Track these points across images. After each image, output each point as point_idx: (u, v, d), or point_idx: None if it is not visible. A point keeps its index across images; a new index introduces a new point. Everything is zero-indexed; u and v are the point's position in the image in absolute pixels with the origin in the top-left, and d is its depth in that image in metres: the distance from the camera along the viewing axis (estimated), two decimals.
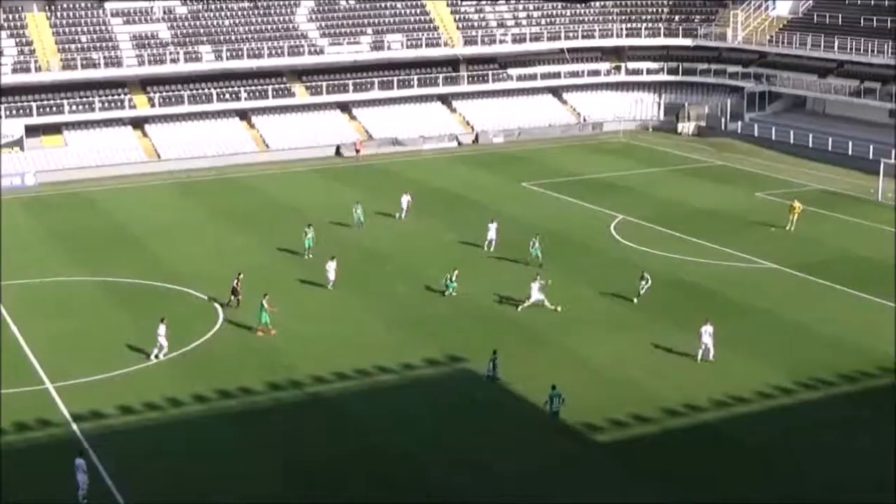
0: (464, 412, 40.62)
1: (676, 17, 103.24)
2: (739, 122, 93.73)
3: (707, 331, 44.61)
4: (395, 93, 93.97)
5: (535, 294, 50.23)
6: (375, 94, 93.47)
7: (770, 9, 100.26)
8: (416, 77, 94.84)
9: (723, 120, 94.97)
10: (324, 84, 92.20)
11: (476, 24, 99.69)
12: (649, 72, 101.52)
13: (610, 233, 64.02)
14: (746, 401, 40.93)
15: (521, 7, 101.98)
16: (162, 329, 44.90)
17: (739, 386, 42.06)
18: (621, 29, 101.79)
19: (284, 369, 43.92)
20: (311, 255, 58.40)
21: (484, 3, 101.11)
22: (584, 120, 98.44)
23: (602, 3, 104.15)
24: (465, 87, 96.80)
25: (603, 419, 39.31)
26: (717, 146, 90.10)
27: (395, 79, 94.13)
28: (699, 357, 44.62)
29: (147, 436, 38.72)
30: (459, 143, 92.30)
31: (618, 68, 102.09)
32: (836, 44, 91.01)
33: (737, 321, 48.97)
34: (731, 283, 54.69)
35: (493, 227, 60.32)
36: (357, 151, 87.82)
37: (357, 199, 67.53)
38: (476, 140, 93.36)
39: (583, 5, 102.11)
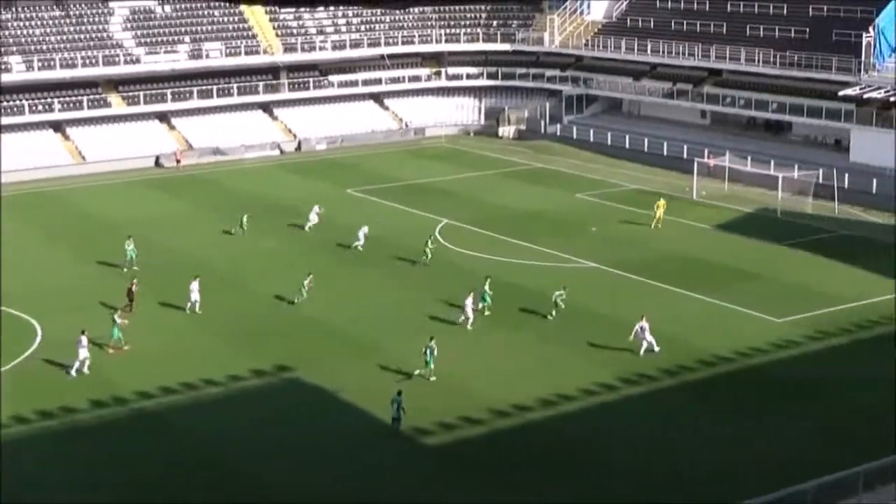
0: (290, 422, 40.37)
1: (495, 23, 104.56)
2: (558, 125, 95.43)
3: (643, 326, 45.59)
4: (215, 101, 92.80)
5: (469, 309, 49.34)
6: (195, 103, 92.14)
7: (585, 13, 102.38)
8: (235, 85, 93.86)
9: (542, 123, 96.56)
10: (141, 94, 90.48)
11: (295, 31, 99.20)
12: (469, 77, 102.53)
13: (436, 237, 64.41)
14: (572, 398, 41.71)
15: (340, 13, 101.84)
16: None
17: (565, 384, 42.83)
18: (441, 34, 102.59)
19: (107, 385, 42.91)
20: (134, 268, 57.24)
21: (303, 10, 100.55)
22: (407, 125, 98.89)
23: (421, 8, 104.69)
24: (286, 95, 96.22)
25: (432, 423, 39.55)
26: (537, 149, 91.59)
27: (215, 87, 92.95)
28: (641, 352, 45.40)
29: None
30: (282, 152, 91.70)
31: (438, 73, 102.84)
32: (649, 47, 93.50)
33: (561, 321, 49.82)
34: (555, 283, 55.54)
35: (362, 232, 61.51)
36: (177, 162, 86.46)
37: (183, 210, 66.43)
38: (299, 148, 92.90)
39: (402, 11, 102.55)
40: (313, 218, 66.35)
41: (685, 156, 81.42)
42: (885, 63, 78.33)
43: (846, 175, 72.94)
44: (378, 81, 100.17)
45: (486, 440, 38.79)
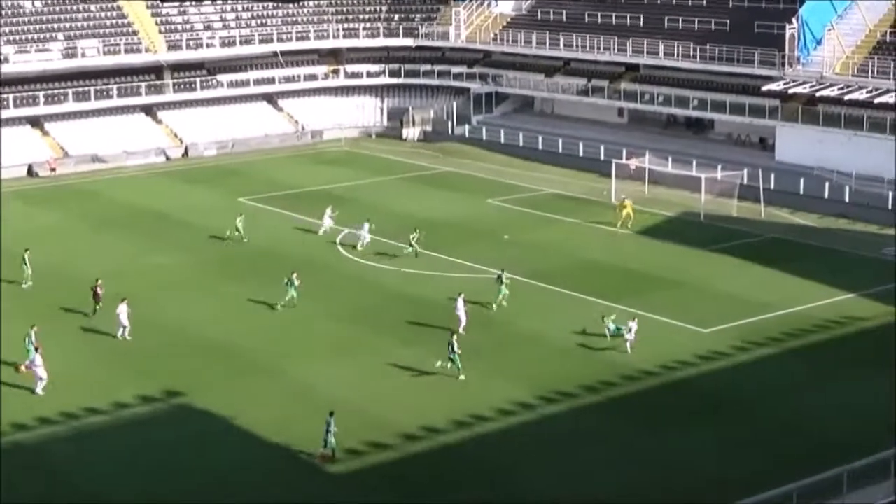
0: (179, 452, 39.79)
1: (396, 17, 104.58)
2: (467, 126, 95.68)
3: (631, 327, 47.50)
4: (93, 104, 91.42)
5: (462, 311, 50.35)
6: (70, 106, 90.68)
7: (493, 6, 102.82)
8: (115, 86, 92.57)
9: (449, 123, 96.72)
10: (10, 97, 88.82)
11: (180, 27, 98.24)
12: (370, 75, 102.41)
13: (336, 247, 64.13)
14: (487, 419, 41.65)
15: (228, 8, 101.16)
16: None
17: (480, 404, 42.76)
18: (338, 30, 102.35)
19: None
20: (29, 283, 56.72)
21: (188, 4, 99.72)
22: (303, 128, 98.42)
23: (316, 2, 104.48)
24: (170, 96, 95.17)
25: (337, 449, 39.22)
26: (444, 151, 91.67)
27: (92, 89, 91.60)
28: (629, 350, 47.35)
29: None
30: (168, 158, 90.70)
31: (336, 72, 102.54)
32: (562, 41, 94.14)
33: (472, 335, 49.80)
34: (465, 295, 55.58)
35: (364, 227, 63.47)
36: (52, 170, 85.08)
37: (59, 223, 65.32)
38: (186, 153, 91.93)
39: (295, 5, 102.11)
40: (327, 222, 66.49)
41: (602, 157, 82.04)
42: (809, 56, 79.72)
43: (772, 175, 74.05)
44: (271, 81, 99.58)
45: (394, 466, 38.56)
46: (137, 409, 43.08)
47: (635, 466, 38.41)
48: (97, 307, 52.51)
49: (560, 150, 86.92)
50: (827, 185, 72.61)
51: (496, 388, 44.40)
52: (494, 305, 53.37)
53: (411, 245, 61.73)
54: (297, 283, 53.60)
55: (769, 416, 41.98)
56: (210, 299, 55.50)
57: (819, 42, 79.91)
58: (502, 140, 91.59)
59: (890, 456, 33.55)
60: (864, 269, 59.58)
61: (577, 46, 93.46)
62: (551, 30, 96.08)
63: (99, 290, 52.61)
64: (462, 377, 45.03)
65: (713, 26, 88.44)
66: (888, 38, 78.38)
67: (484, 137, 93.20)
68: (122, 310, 49.96)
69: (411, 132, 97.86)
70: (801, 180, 73.66)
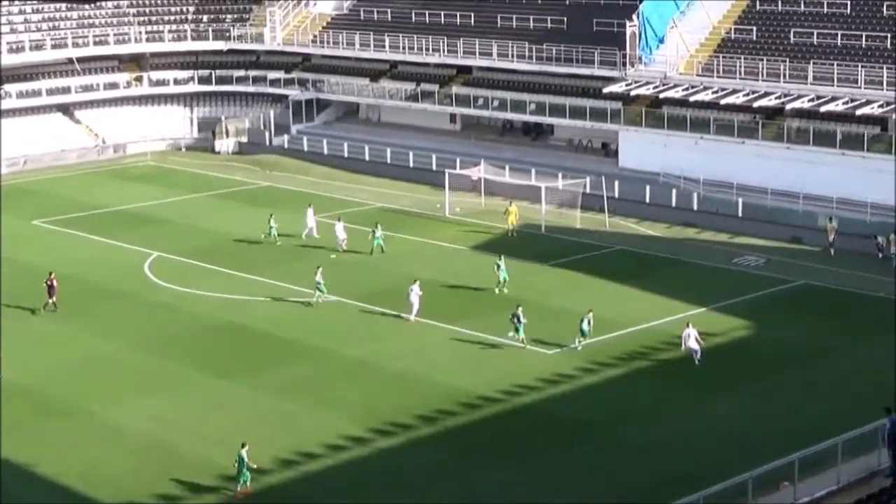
0: None
1: (205, 18, 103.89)
2: (286, 136, 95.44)
3: (691, 333, 49.16)
4: None
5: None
6: None
7: (311, 5, 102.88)
8: None
9: (267, 134, 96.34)
10: None
11: None
12: (177, 82, 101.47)
13: (144, 274, 63.38)
14: (317, 456, 41.57)
15: (16, 10, 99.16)
16: None
17: (307, 440, 42.67)
18: (140, 33, 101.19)
19: None
20: None
21: None
22: (104, 142, 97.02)
23: (115, 3, 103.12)
24: None
25: (149, 495, 38.75)
26: (262, 164, 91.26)
27: None
28: (697, 360, 49.13)
29: None
30: None
31: (139, 79, 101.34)
32: (387, 42, 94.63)
33: (298, 365, 49.75)
34: (288, 321, 55.53)
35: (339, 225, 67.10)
36: None
37: None
38: None
39: (92, 6, 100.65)
40: (311, 222, 68.96)
41: (434, 167, 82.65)
42: (652, 56, 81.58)
43: (616, 183, 75.56)
44: (66, 90, 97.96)
45: None
46: None
47: (475, 501, 38.70)
48: (49, 303, 55.82)
49: (388, 161, 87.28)
50: (674, 192, 74.36)
51: (325, 422, 44.34)
52: (497, 290, 58.18)
53: (374, 244, 65.41)
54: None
55: (618, 442, 42.69)
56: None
57: (661, 40, 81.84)
58: (325, 151, 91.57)
59: (746, 480, 34.44)
60: (715, 281, 61.14)
61: (403, 48, 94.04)
62: (375, 30, 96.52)
63: (53, 284, 56.07)
64: (527, 347, 50.77)
65: (550, 24, 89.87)
66: (733, 35, 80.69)
67: (305, 148, 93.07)
68: None
69: (225, 144, 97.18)
70: (647, 188, 75.24)
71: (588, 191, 73.89)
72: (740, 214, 71.22)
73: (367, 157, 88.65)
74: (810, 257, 65.24)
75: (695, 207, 73.18)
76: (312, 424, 44.25)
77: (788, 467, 35.64)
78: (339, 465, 41.30)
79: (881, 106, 70.75)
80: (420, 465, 41.31)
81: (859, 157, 70.43)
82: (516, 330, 51.17)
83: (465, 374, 48.93)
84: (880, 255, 64.48)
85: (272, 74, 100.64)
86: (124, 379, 48.94)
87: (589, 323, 51.11)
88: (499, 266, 59.70)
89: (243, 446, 38.90)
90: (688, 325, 50.07)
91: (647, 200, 74.79)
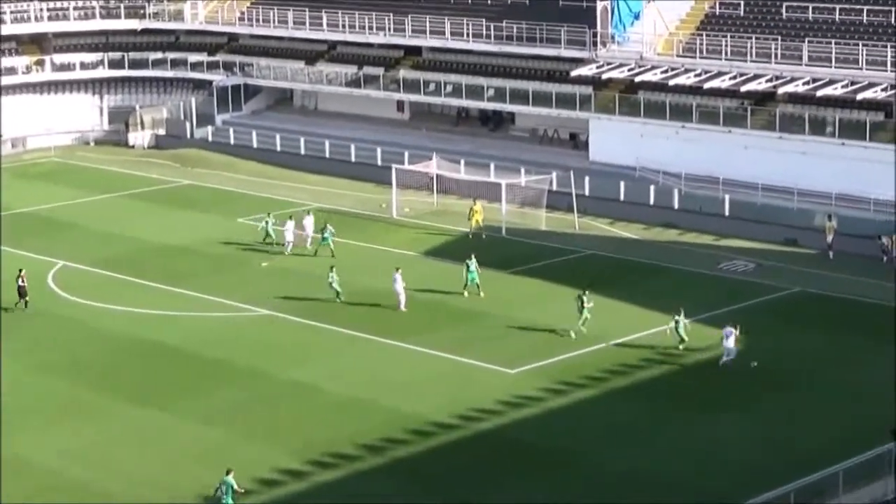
0: None
1: None
2: (210, 127, 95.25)
3: (732, 332, 51.05)
4: None
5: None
6: None
7: None
8: None
9: (188, 125, 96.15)
10: None
11: None
12: (84, 66, 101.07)
13: (48, 286, 63.16)
14: (248, 493, 41.53)
15: None
16: None
17: (239, 475, 42.57)
18: (41, 10, 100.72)
19: None
20: None
21: None
22: (0, 135, 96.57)
23: None
24: None
25: None
26: (183, 160, 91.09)
27: None
28: (721, 362, 51.09)
29: None
30: None
31: (41, 63, 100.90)
32: (325, 20, 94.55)
33: (225, 390, 49.70)
34: (214, 339, 55.42)
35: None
36: None
37: None
38: None
39: None
40: (289, 235, 68.66)
41: (380, 162, 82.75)
42: (626, 34, 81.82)
43: (586, 178, 75.80)
44: None
45: None
46: None
47: None
48: (20, 302, 58.38)
49: (327, 155, 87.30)
50: (652, 188, 74.65)
51: (256, 454, 44.31)
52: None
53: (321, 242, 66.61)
54: None
55: (591, 471, 42.89)
56: None
57: (637, 17, 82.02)
58: (255, 144, 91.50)
59: None
60: (698, 289, 61.41)
61: (343, 26, 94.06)
62: (311, 6, 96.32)
63: (23, 283, 58.56)
64: (584, 330, 54.06)
65: (510, 0, 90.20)
66: (718, 11, 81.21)
67: (232, 141, 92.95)
68: None
69: (140, 137, 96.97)
70: (622, 184, 75.51)
71: (555, 188, 74.12)
72: (727, 213, 71.66)
73: (302, 151, 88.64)
74: (806, 261, 65.70)
75: (676, 206, 73.56)
76: (242, 457, 44.12)
77: (783, 499, 35.91)
78: (273, 502, 41.30)
79: (884, 89, 71.19)
80: (365, 501, 41.36)
81: (860, 148, 70.93)
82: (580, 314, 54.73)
83: (416, 398, 49.00)
84: (885, 259, 64.99)
85: (193, 57, 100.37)
86: (28, 407, 48.67)
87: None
88: (468, 267, 59.97)
89: (228, 473, 39.18)
90: (733, 326, 51.40)
91: (622, 198, 75.10)
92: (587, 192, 75.16)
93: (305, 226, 68.97)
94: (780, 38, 76.28)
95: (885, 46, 72.53)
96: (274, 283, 62.94)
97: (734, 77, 76.18)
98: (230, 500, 39.22)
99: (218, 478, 42.34)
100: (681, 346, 52.59)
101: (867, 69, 72.45)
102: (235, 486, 39.28)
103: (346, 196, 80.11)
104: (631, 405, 48.32)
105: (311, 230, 68.55)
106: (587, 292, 55.27)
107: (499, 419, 47.08)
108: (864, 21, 75.34)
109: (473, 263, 60.19)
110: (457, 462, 44.06)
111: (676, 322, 52.75)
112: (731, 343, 50.87)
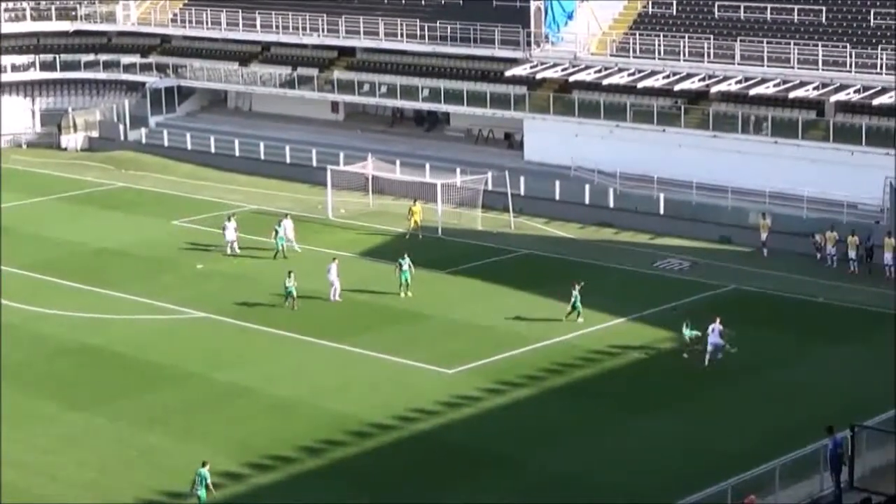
0: None
1: None
2: (144, 130, 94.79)
3: (716, 328, 51.09)
4: None
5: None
6: None
7: None
8: None
9: (121, 128, 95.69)
10: None
11: None
12: (15, 68, 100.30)
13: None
14: (183, 496, 41.36)
15: None
16: None
17: (173, 478, 42.38)
18: None
19: None
20: None
21: None
22: None
23: None
24: None
25: None
26: (116, 162, 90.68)
27: None
28: (706, 361, 50.95)
29: None
30: None
31: None
32: (259, 21, 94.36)
33: (161, 392, 49.47)
34: (149, 342, 55.15)
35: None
36: None
37: None
38: None
39: None
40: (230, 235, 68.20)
41: (315, 163, 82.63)
42: (559, 34, 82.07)
43: (521, 178, 75.95)
44: None
45: None
46: None
47: None
48: None
49: (262, 157, 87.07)
50: (587, 188, 74.84)
51: (194, 456, 43.96)
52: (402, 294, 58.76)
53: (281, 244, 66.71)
54: None
55: (531, 473, 42.96)
56: None
57: (570, 16, 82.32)
58: (189, 146, 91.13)
59: None
60: (635, 288, 61.73)
61: (277, 27, 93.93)
62: (245, 8, 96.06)
63: None
64: (581, 320, 55.48)
65: (444, 0, 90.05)
66: (651, 10, 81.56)
67: (165, 143, 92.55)
68: None
69: (72, 140, 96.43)
70: (557, 183, 75.70)
71: (490, 188, 74.27)
72: (662, 212, 71.94)
73: (237, 153, 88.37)
74: (741, 259, 66.12)
75: (611, 205, 73.77)
76: (179, 460, 43.94)
77: (720, 495, 36.09)
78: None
79: (816, 88, 71.80)
80: (303, 503, 41.31)
81: (793, 146, 71.43)
82: (574, 307, 56.02)
83: (354, 399, 48.95)
84: (818, 256, 65.48)
85: (126, 59, 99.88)
86: None
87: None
88: (401, 266, 60.11)
89: (204, 465, 39.26)
90: (716, 320, 51.52)
91: (557, 197, 75.27)
92: (522, 192, 75.31)
93: (227, 232, 68.23)
94: (712, 37, 76.71)
95: (817, 45, 73.10)
96: (207, 285, 62.71)
97: (667, 76, 76.56)
98: (203, 493, 39.12)
99: (153, 480, 42.32)
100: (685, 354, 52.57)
101: (799, 68, 72.99)
102: (209, 480, 39.30)
103: (282, 197, 79.92)
104: (568, 404, 48.42)
105: (233, 237, 67.91)
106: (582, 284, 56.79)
107: (437, 419, 47.10)
108: (796, 20, 75.86)
109: (406, 263, 60.20)
110: (395, 463, 44.06)
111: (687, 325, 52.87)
112: (716, 338, 51.00)
